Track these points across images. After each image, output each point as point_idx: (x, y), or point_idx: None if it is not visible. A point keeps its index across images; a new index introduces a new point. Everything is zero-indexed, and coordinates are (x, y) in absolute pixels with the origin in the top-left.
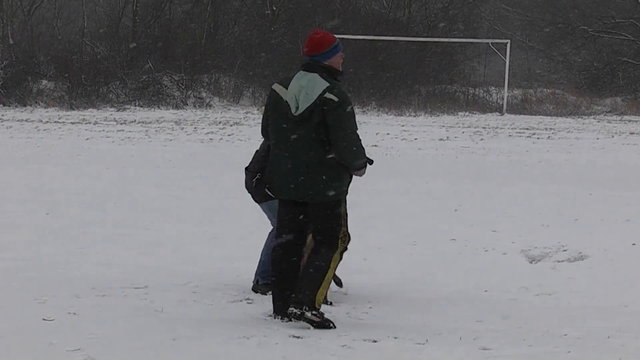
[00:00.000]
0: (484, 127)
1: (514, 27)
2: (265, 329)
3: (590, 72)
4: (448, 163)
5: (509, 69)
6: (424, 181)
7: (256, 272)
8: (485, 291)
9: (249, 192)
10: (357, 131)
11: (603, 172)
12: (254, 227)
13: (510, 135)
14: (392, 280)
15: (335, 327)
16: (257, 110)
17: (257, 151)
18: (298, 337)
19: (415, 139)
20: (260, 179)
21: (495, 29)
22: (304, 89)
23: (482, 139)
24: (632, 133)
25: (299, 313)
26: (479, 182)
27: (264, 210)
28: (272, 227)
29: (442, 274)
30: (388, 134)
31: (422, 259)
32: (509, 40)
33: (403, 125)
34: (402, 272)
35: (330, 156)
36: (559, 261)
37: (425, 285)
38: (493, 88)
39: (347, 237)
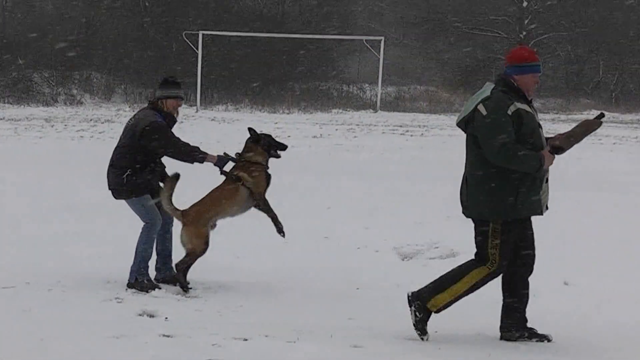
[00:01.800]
0: (358, 125)
1: (388, 24)
2: (135, 328)
3: (464, 69)
4: (321, 160)
5: (383, 66)
6: (297, 179)
7: (131, 269)
8: (358, 289)
9: (112, 188)
10: (505, 142)
11: None
12: (126, 224)
13: (383, 133)
14: (263, 279)
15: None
16: (129, 107)
17: (118, 147)
18: (168, 336)
19: (289, 136)
20: (131, 175)
21: (370, 25)
22: (471, 98)
23: (355, 136)
24: None
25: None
26: (352, 180)
27: (131, 207)
28: (144, 224)
29: (314, 272)
30: (261, 131)
31: (294, 257)
32: (382, 37)
33: (276, 123)
34: (274, 270)
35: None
36: (430, 258)
37: (297, 283)
38: (367, 85)
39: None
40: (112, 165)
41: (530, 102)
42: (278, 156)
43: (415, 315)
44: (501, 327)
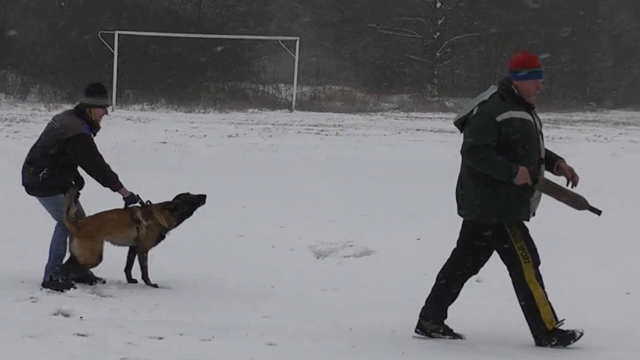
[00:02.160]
0: (273, 124)
1: (304, 24)
2: (50, 328)
3: (379, 69)
4: (237, 160)
5: (299, 66)
6: (213, 178)
7: (46, 268)
8: (272, 287)
9: (26, 184)
10: (477, 144)
11: (390, 168)
12: (40, 224)
13: (299, 132)
14: (178, 277)
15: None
16: (45, 107)
17: (37, 146)
18: (83, 335)
19: (205, 135)
20: (48, 175)
21: (286, 26)
22: (472, 100)
23: (271, 136)
24: (418, 129)
25: None
26: (268, 179)
27: (45, 205)
28: (57, 223)
29: (229, 271)
30: (177, 130)
31: (209, 255)
32: (298, 38)
33: (192, 122)
34: (189, 268)
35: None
36: (345, 256)
37: (212, 282)
38: (282, 85)
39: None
40: (29, 163)
41: (532, 108)
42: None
43: (555, 343)
44: (421, 315)
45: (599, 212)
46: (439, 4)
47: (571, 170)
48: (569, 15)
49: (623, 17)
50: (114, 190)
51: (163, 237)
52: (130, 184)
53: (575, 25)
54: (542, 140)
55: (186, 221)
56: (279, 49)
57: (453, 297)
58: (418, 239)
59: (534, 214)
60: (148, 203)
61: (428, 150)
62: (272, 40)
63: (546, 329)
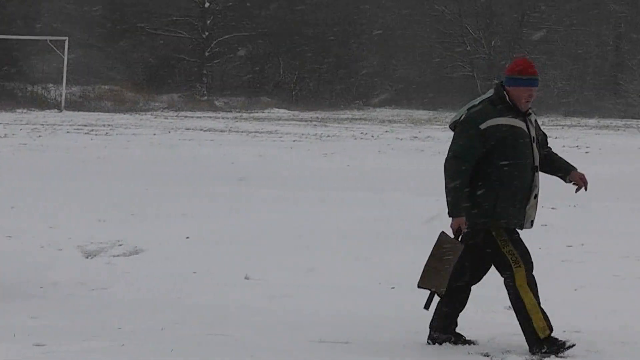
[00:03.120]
0: (42, 124)
1: (73, 24)
2: None
3: (149, 68)
4: (5, 160)
5: (68, 66)
6: None
7: None
8: (41, 287)
9: None
10: (457, 155)
11: (160, 167)
12: None
13: (68, 132)
14: None
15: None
16: None
17: None
18: None
19: None
20: None
21: (55, 26)
22: (468, 104)
23: (40, 136)
24: (187, 128)
25: None
26: (37, 179)
27: None
28: None
29: None
30: None
31: None
32: (67, 38)
33: None
34: None
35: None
36: (114, 256)
37: None
38: (52, 85)
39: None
40: None
41: (526, 114)
42: None
43: (549, 352)
44: (431, 326)
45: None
46: (207, 4)
47: (582, 177)
48: (336, 16)
49: (389, 18)
50: None
51: None
52: None
53: (342, 26)
54: (537, 147)
55: None
56: (47, 49)
57: (459, 306)
58: (187, 238)
59: (531, 223)
60: None
61: (197, 149)
62: (41, 40)
63: (538, 337)
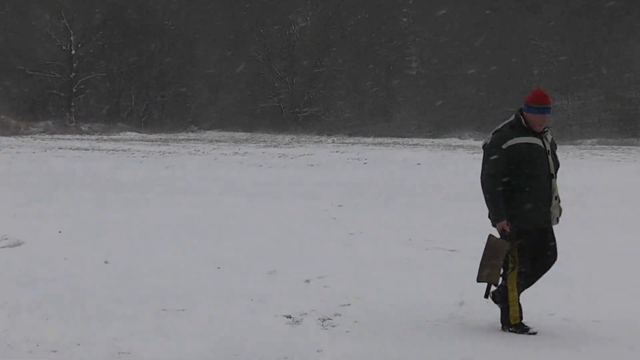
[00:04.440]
0: None
1: None
2: None
3: (29, 101)
4: None
5: None
6: None
7: None
8: None
9: None
10: (489, 173)
11: (38, 177)
12: None
13: None
14: None
15: None
16: None
17: None
18: None
19: None
20: None
21: None
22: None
23: None
24: (60, 148)
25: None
26: None
27: None
28: None
29: None
30: None
31: None
32: None
33: None
34: None
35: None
36: (1, 247)
37: None
38: None
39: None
40: None
41: (542, 133)
42: None
43: (512, 330)
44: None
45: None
46: (73, 51)
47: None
48: (175, 60)
49: (216, 61)
50: None
51: None
52: None
53: (180, 67)
54: (553, 160)
55: None
56: None
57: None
58: (60, 232)
59: (557, 220)
60: None
61: (68, 164)
62: None
63: (509, 322)
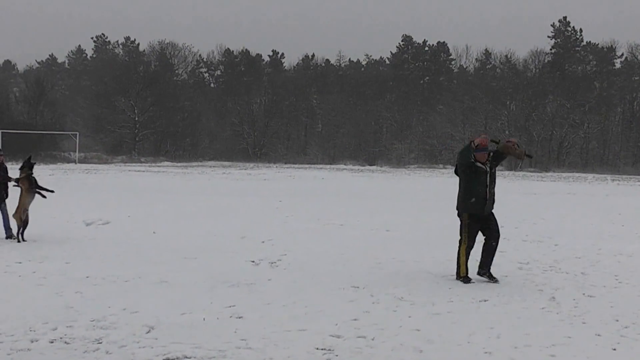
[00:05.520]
0: None
1: None
2: None
3: (114, 145)
4: None
5: None
6: None
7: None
8: None
9: None
10: (463, 180)
11: None
12: None
13: None
14: None
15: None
16: None
17: None
18: None
19: None
20: None
21: None
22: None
23: None
24: (130, 170)
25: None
26: None
27: None
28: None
29: None
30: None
31: None
32: None
33: None
34: None
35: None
36: None
37: None
38: None
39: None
40: None
41: (485, 163)
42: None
43: (458, 279)
44: (480, 271)
45: (530, 156)
46: (137, 118)
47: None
48: None
49: (212, 122)
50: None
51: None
52: None
53: (190, 123)
54: (488, 177)
55: None
56: None
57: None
58: (129, 216)
59: (488, 211)
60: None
61: (132, 179)
62: None
63: (459, 275)
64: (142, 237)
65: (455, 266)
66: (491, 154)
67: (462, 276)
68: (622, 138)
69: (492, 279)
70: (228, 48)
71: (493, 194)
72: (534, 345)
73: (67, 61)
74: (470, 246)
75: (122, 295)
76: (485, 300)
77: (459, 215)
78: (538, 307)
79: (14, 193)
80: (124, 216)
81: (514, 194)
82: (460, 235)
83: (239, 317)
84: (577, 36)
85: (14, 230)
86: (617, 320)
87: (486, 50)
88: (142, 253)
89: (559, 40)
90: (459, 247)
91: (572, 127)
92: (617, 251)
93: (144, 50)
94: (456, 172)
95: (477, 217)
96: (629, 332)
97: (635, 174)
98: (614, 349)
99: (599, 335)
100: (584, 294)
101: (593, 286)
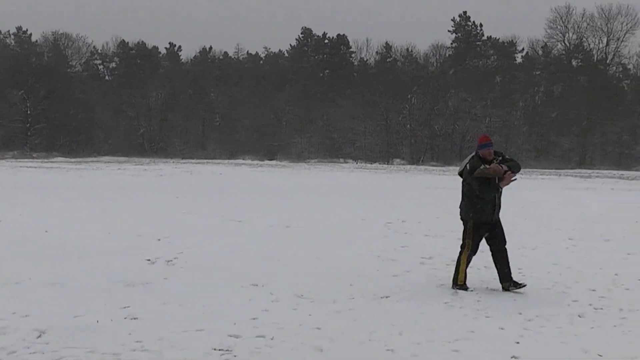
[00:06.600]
0: None
1: None
2: None
3: (5, 140)
4: None
5: None
6: None
7: None
8: None
9: None
10: (475, 186)
11: None
12: None
13: None
14: None
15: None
16: None
17: None
18: None
19: None
20: None
21: None
22: (463, 162)
23: None
24: (22, 167)
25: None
26: None
27: None
28: None
29: None
30: None
31: None
32: None
33: None
34: None
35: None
36: None
37: None
38: None
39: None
40: None
41: (491, 162)
42: None
43: (455, 287)
44: (504, 286)
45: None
46: (29, 111)
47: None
48: None
49: (109, 113)
50: None
51: None
52: None
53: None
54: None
55: None
56: None
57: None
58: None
59: (496, 218)
60: None
61: (28, 174)
62: None
63: (456, 282)
64: (34, 237)
65: (453, 272)
66: (499, 158)
67: (460, 284)
68: (525, 132)
69: (518, 285)
70: (123, 39)
71: (500, 199)
72: (437, 340)
73: None
74: (472, 253)
75: (11, 298)
76: (387, 297)
77: (463, 220)
78: (441, 301)
79: None
80: (15, 215)
81: (418, 187)
82: (464, 240)
83: (134, 318)
84: (478, 31)
85: None
86: (521, 314)
87: (387, 43)
88: (33, 253)
89: (459, 34)
90: (461, 252)
91: (474, 121)
92: (520, 244)
93: (37, 41)
94: (460, 174)
95: (484, 224)
96: (532, 325)
97: (537, 167)
98: (517, 342)
99: (502, 328)
100: (487, 287)
101: (497, 280)
